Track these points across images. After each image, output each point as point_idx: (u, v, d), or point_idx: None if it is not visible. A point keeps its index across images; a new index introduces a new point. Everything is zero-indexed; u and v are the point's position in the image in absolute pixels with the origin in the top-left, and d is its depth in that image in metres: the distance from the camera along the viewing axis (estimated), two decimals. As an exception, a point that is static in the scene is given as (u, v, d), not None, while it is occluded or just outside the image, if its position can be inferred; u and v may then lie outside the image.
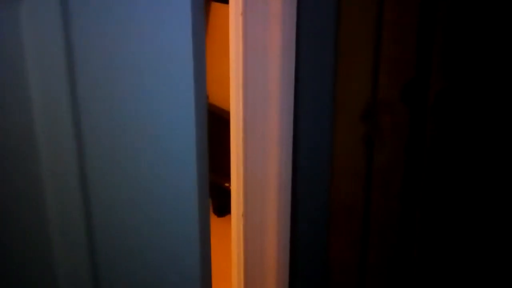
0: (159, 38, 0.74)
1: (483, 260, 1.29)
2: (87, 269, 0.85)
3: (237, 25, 1.28)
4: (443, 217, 1.31)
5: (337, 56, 1.32)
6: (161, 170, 0.81)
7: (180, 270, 0.86)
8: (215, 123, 2.14)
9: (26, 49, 0.72)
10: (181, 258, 0.86)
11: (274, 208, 1.41)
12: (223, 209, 2.74)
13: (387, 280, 1.43)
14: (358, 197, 1.38)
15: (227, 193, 2.75)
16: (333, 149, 1.37)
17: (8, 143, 0.76)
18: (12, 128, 0.76)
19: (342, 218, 1.42)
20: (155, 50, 0.75)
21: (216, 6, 2.54)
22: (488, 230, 1.27)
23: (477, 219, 1.27)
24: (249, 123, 1.35)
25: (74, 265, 0.84)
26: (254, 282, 1.46)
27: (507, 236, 1.24)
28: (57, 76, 0.74)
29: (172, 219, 0.83)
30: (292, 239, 1.46)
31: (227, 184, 2.78)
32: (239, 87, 1.33)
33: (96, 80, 0.75)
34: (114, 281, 0.86)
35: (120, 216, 0.82)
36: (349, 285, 1.47)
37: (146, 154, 0.80)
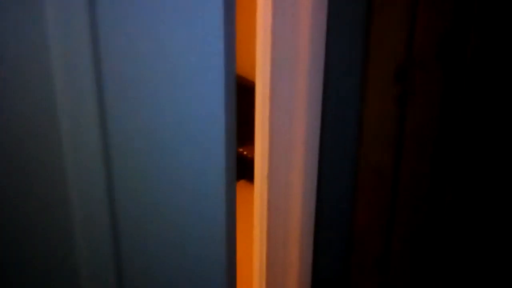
0: (188, 25, 0.71)
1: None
2: (111, 268, 0.85)
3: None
4: (477, 183, 1.27)
5: (369, 11, 1.26)
6: (188, 158, 0.79)
7: (205, 259, 0.85)
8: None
9: (51, 41, 0.71)
10: (206, 244, 0.84)
11: (300, 169, 1.37)
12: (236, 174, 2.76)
13: (414, 245, 1.39)
14: (388, 160, 1.34)
15: (239, 159, 2.73)
16: (363, 109, 1.33)
17: (32, 144, 0.76)
18: (37, 128, 0.76)
19: (370, 182, 1.38)
20: (184, 40, 0.72)
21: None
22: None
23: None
24: (276, 82, 1.31)
25: (98, 267, 0.85)
26: (277, 243, 1.43)
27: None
28: (82, 66, 0.73)
29: (199, 208, 0.82)
30: (317, 202, 1.42)
31: (240, 150, 2.78)
32: (267, 44, 1.28)
33: (121, 69, 0.73)
34: (138, 278, 0.87)
35: (145, 206, 0.82)
36: (375, 250, 1.44)
37: (173, 144, 0.78)
